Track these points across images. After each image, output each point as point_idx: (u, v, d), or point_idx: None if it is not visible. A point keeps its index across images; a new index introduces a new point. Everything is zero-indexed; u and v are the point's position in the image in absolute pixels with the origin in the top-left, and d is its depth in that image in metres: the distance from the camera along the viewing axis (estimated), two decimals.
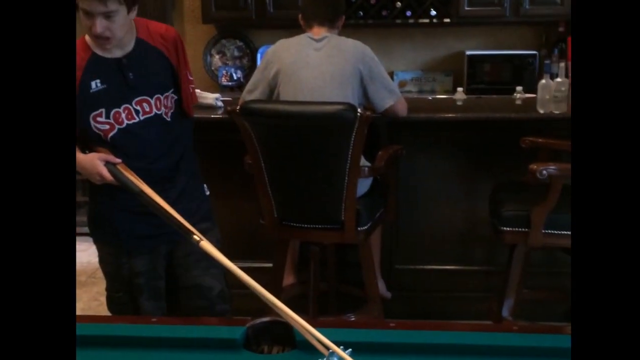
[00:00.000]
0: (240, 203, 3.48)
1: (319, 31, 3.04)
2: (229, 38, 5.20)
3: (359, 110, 2.65)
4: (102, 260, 2.63)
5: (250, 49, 5.19)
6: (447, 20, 4.79)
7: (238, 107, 2.74)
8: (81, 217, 5.01)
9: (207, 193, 2.65)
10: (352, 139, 2.66)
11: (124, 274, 2.52)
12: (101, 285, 4.15)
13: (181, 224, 2.07)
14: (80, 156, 2.31)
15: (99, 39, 2.21)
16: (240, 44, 5.20)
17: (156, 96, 2.37)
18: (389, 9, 4.81)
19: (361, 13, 4.81)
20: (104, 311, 3.82)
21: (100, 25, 2.15)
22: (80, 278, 4.30)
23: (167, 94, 2.40)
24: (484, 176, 3.45)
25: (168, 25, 2.49)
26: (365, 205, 2.93)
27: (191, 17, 5.15)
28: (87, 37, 2.29)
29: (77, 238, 4.83)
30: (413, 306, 3.57)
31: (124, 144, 2.35)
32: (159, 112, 2.38)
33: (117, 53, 2.31)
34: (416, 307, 3.57)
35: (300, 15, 3.14)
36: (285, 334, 1.78)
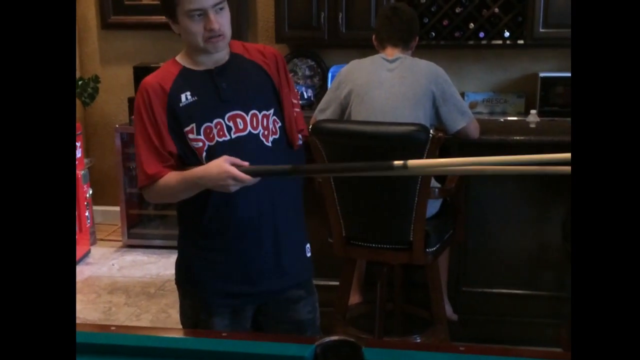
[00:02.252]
0: (309, 221, 3.49)
1: (392, 52, 3.05)
2: (301, 57, 5.26)
3: (431, 131, 2.65)
4: (181, 313, 2.32)
5: (322, 68, 5.23)
6: (520, 41, 4.73)
7: (310, 126, 2.77)
8: (152, 230, 5.15)
9: (309, 254, 2.32)
10: None
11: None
12: (170, 297, 4.26)
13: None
14: (199, 170, 2.03)
15: (213, 38, 2.02)
16: (312, 63, 5.25)
17: (252, 112, 2.09)
18: (462, 30, 4.79)
19: (434, 34, 4.80)
20: (171, 324, 3.92)
21: (215, 20, 1.99)
22: (149, 290, 4.40)
23: (266, 112, 2.12)
24: (555, 200, 3.39)
25: (266, 45, 2.30)
26: (434, 227, 2.92)
27: (265, 36, 5.23)
28: (177, 57, 2.18)
29: (147, 250, 4.96)
30: (480, 330, 3.52)
31: None
32: (254, 132, 2.09)
33: (210, 65, 2.11)
34: (483, 331, 3.52)
35: (374, 36, 3.16)
36: (353, 354, 1.78)
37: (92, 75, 4.70)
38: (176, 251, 4.89)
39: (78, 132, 4.78)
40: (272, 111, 2.13)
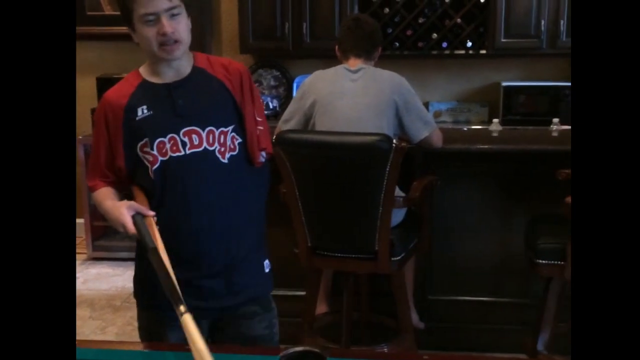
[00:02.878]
0: (273, 231, 3.48)
1: (355, 62, 3.07)
2: (265, 67, 5.26)
3: (394, 141, 2.66)
4: (139, 326, 2.32)
5: (287, 78, 5.25)
6: (483, 51, 4.79)
7: (274, 137, 2.77)
8: (117, 242, 5.09)
9: (267, 270, 2.27)
10: (387, 170, 2.68)
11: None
12: (136, 310, 4.21)
13: (174, 290, 1.79)
14: (108, 203, 2.07)
15: (167, 45, 2.00)
16: (277, 73, 5.26)
17: (209, 129, 2.05)
18: (425, 40, 4.84)
19: (397, 44, 4.84)
20: (137, 337, 3.87)
21: (168, 25, 1.97)
22: (114, 302, 4.35)
23: (224, 129, 2.07)
24: (519, 208, 3.43)
25: (231, 60, 2.22)
26: (399, 236, 2.94)
27: (229, 47, 5.23)
28: (141, 68, 2.17)
29: (112, 262, 4.90)
30: (446, 338, 3.53)
31: (165, 182, 2.06)
32: (210, 149, 2.05)
33: (169, 78, 2.09)
34: (449, 338, 3.54)
35: (337, 47, 3.18)
36: None
37: None
38: None
39: None
40: (230, 128, 2.09)
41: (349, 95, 2.97)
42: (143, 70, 2.15)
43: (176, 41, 2.00)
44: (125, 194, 2.16)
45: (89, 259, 5.12)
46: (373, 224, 2.80)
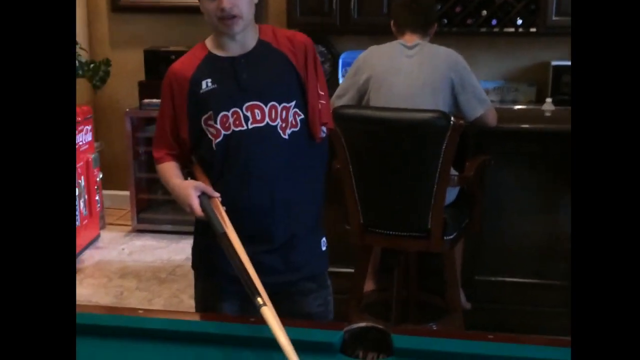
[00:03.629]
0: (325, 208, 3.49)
1: (411, 38, 3.04)
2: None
3: (451, 118, 2.64)
4: (195, 297, 2.35)
5: (332, 54, 5.21)
6: (533, 29, 4.70)
7: None
8: (161, 215, 5.13)
9: (324, 248, 2.27)
10: (444, 147, 2.66)
11: None
12: (181, 282, 4.26)
13: (250, 280, 1.81)
14: (176, 181, 2.10)
15: (226, 19, 2.00)
16: (323, 49, 5.22)
17: (271, 104, 2.05)
18: (474, 17, 4.76)
19: (446, 21, 4.77)
20: (183, 308, 3.92)
21: (227, 0, 1.97)
22: (160, 275, 4.40)
23: (286, 104, 2.07)
24: (568, 190, 3.39)
25: (297, 32, 2.23)
26: (451, 215, 2.92)
27: (276, 22, 5.20)
28: (207, 40, 2.16)
29: (156, 235, 4.96)
30: (492, 319, 3.51)
31: (227, 155, 2.08)
32: (272, 124, 2.05)
33: (235, 52, 2.09)
34: (495, 319, 3.51)
35: (392, 22, 3.15)
36: (382, 340, 1.78)
37: (104, 59, 4.67)
38: (185, 236, 4.91)
39: (88, 116, 4.76)
40: (293, 103, 2.09)
41: (405, 72, 2.94)
42: (209, 43, 2.15)
43: (235, 16, 2.00)
44: (187, 172, 2.18)
45: (133, 230, 5.17)
46: (427, 202, 2.78)
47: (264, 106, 2.06)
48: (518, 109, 4.34)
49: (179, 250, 4.80)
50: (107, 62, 4.65)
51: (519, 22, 4.71)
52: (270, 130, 2.06)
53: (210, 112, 2.06)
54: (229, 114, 2.05)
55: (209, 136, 2.08)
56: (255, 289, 1.77)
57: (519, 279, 3.59)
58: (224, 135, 2.06)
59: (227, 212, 2.03)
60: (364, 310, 3.20)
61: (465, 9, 4.75)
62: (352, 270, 3.18)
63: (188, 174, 2.18)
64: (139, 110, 5.05)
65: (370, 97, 2.98)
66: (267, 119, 2.06)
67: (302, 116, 2.11)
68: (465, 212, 3.08)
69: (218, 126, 2.06)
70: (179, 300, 4.04)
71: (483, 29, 4.79)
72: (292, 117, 2.08)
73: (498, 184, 3.43)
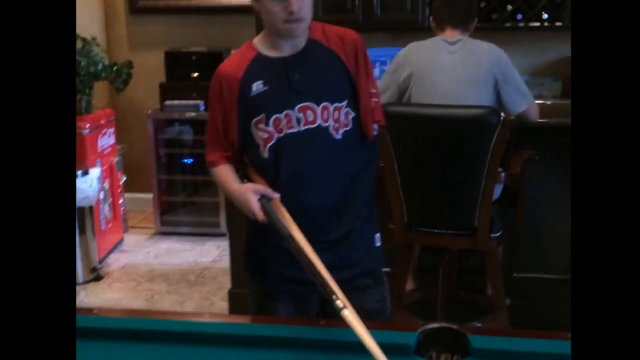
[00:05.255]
0: None
1: (452, 34, 2.99)
2: None
3: (501, 114, 2.60)
4: (249, 298, 2.31)
5: None
6: (559, 23, 4.67)
7: None
8: (182, 217, 5.09)
9: (379, 244, 2.23)
10: (493, 144, 2.62)
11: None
12: (211, 285, 4.23)
13: (324, 282, 1.81)
14: (233, 186, 2.08)
15: (292, 22, 1.95)
16: None
17: (323, 104, 2.03)
18: (499, 12, 4.72)
19: None
20: (215, 310, 3.88)
21: (295, 2, 1.91)
22: (188, 277, 4.36)
23: (338, 104, 2.04)
24: None
25: (347, 29, 2.15)
26: (497, 212, 2.88)
27: None
28: (255, 39, 2.13)
29: (180, 237, 4.94)
30: (530, 316, 3.48)
31: (280, 158, 2.05)
32: (324, 125, 2.03)
33: (286, 52, 2.05)
34: (534, 316, 3.48)
35: (431, 18, 3.11)
36: (455, 342, 1.75)
37: (126, 61, 4.63)
38: (209, 238, 4.88)
39: (111, 119, 4.72)
40: (344, 103, 2.06)
41: (448, 68, 2.90)
42: (258, 43, 2.11)
43: (301, 19, 1.97)
44: (242, 174, 2.15)
45: (157, 233, 5.13)
46: (474, 200, 2.74)
47: (316, 107, 2.03)
48: (549, 104, 4.29)
49: (204, 253, 4.76)
50: (129, 65, 4.61)
51: (545, 16, 4.67)
52: (323, 131, 2.04)
53: (262, 115, 2.04)
54: (282, 116, 2.03)
55: (260, 139, 2.06)
56: (331, 290, 1.75)
57: (556, 276, 3.54)
58: (277, 137, 2.04)
59: (285, 207, 2.02)
60: (405, 309, 3.16)
61: (490, 4, 4.72)
62: (389, 270, 3.13)
63: (243, 176, 2.15)
64: (160, 112, 5.01)
65: (412, 94, 2.94)
66: (319, 120, 2.04)
67: (354, 114, 2.08)
68: (509, 208, 3.03)
69: (271, 129, 2.03)
70: (210, 302, 4.01)
71: (508, 24, 4.75)
72: (344, 117, 2.06)
73: (536, 180, 3.38)
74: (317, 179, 2.07)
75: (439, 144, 2.68)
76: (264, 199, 2.01)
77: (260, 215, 1.99)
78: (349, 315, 1.66)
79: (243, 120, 2.06)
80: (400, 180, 2.81)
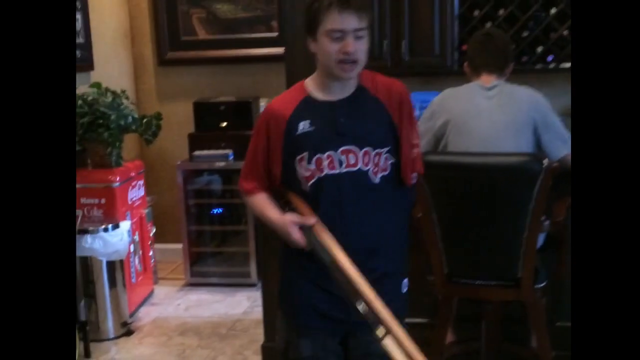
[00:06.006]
0: None
1: (488, 79, 2.93)
2: None
3: (544, 161, 2.52)
4: (278, 335, 2.38)
5: None
6: None
7: None
8: (211, 268, 5.02)
9: (405, 290, 2.28)
10: (535, 192, 2.53)
11: (289, 357, 2.28)
12: (243, 338, 4.14)
13: (372, 307, 1.92)
14: (274, 216, 2.17)
15: (346, 63, 2.03)
16: None
17: (365, 149, 2.09)
18: (529, 54, 4.66)
19: None
20: None
21: (352, 44, 2.01)
22: (220, 330, 4.27)
23: (379, 150, 2.11)
24: None
25: (396, 80, 2.24)
26: (541, 261, 2.78)
27: None
28: (307, 80, 2.20)
29: (210, 288, 4.89)
30: None
31: (318, 198, 2.11)
32: (364, 169, 2.09)
33: (335, 96, 2.14)
34: None
35: (465, 63, 3.06)
36: None
37: (155, 113, 4.62)
38: (240, 288, 4.82)
39: (141, 171, 4.70)
40: (386, 149, 2.13)
41: (485, 114, 2.84)
42: (309, 84, 2.20)
43: (355, 61, 2.05)
44: (284, 202, 2.23)
45: (187, 284, 5.07)
46: (516, 249, 2.65)
47: (358, 151, 2.10)
48: None
49: (235, 304, 4.68)
50: (158, 116, 4.60)
51: None
52: (362, 174, 2.11)
53: (305, 153, 2.11)
54: (324, 156, 2.10)
55: (302, 177, 2.13)
56: (378, 317, 1.87)
57: None
58: (317, 177, 2.11)
59: None
60: None
61: (519, 47, 4.66)
62: (427, 321, 3.04)
63: (285, 203, 2.22)
64: (190, 163, 5.00)
65: (449, 141, 2.87)
66: (360, 164, 2.10)
67: (393, 160, 2.15)
68: (553, 257, 2.93)
69: (312, 167, 2.11)
70: (243, 357, 3.91)
71: (538, 66, 4.69)
72: (383, 162, 2.13)
73: None
74: (353, 220, 2.12)
75: (479, 193, 2.60)
76: (305, 229, 2.09)
77: (303, 243, 2.08)
78: (390, 344, 1.79)
79: (288, 156, 2.14)
80: (439, 230, 2.73)
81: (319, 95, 2.15)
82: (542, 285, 2.76)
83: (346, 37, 2.01)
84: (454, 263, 2.78)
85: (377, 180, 2.12)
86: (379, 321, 1.84)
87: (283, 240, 2.17)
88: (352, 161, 2.10)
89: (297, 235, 2.09)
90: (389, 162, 2.14)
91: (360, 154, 2.10)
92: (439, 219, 2.71)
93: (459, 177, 2.62)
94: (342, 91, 2.13)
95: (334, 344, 2.24)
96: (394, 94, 2.16)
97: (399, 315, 2.17)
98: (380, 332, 1.78)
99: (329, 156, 2.09)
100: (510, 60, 3.00)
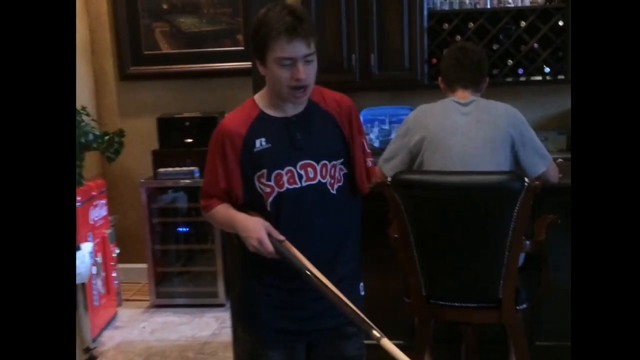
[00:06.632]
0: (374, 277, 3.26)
1: (463, 95, 2.85)
2: None
3: (525, 179, 2.44)
4: (239, 347, 2.48)
5: None
6: (561, 77, 4.57)
7: (389, 179, 2.55)
8: (178, 288, 4.88)
9: (363, 293, 2.35)
10: (516, 211, 2.45)
11: None
12: None
13: (359, 315, 1.95)
14: (240, 216, 2.15)
15: (298, 89, 2.06)
16: None
17: (322, 162, 2.15)
18: (500, 67, 4.62)
19: None
20: None
21: (303, 71, 2.03)
22: (187, 354, 4.12)
23: (334, 162, 2.18)
24: None
25: (342, 94, 2.31)
26: (522, 281, 2.70)
27: None
28: (256, 97, 2.21)
29: (176, 310, 4.73)
30: None
31: (280, 212, 2.14)
32: (323, 181, 2.15)
33: (288, 112, 2.16)
34: None
35: (440, 78, 2.97)
36: None
37: (117, 130, 4.45)
38: (207, 309, 4.66)
39: (103, 190, 4.54)
40: (340, 161, 2.20)
41: (462, 130, 2.75)
42: (260, 102, 2.21)
43: (306, 86, 2.08)
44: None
45: (152, 306, 4.90)
46: (497, 270, 2.57)
47: (316, 164, 2.15)
48: (563, 161, 4.14)
49: (202, 326, 4.54)
50: (121, 133, 4.43)
51: (547, 70, 4.57)
52: (322, 186, 2.16)
53: (264, 170, 2.13)
54: (283, 172, 2.13)
55: (262, 193, 2.15)
56: (367, 322, 1.91)
57: None
58: (278, 192, 2.13)
59: (278, 262, 2.11)
60: None
61: (490, 59, 4.60)
62: (403, 343, 2.94)
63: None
64: (154, 180, 4.84)
65: (425, 158, 2.77)
66: (318, 177, 2.15)
67: (345, 171, 2.22)
68: (534, 277, 2.85)
69: (272, 183, 2.13)
70: None
71: (509, 79, 4.66)
72: (338, 174, 2.19)
73: (556, 243, 3.21)
74: (315, 231, 2.17)
75: (458, 212, 2.51)
76: (272, 238, 2.07)
77: (268, 244, 2.05)
78: (387, 343, 1.81)
79: (247, 174, 2.16)
80: (416, 251, 2.63)
81: (271, 112, 2.17)
82: (523, 306, 2.68)
83: (296, 63, 2.03)
84: (432, 284, 2.69)
85: (334, 191, 2.18)
86: (368, 326, 1.91)
87: (244, 244, 2.14)
88: (312, 175, 2.14)
89: (264, 235, 2.06)
90: (342, 173, 2.20)
91: (319, 167, 2.15)
92: (416, 239, 2.62)
93: (437, 197, 2.53)
94: (294, 107, 2.16)
95: (300, 351, 2.30)
96: (344, 108, 2.22)
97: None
98: (375, 334, 1.84)
99: (288, 171, 2.13)
100: (485, 74, 2.92)
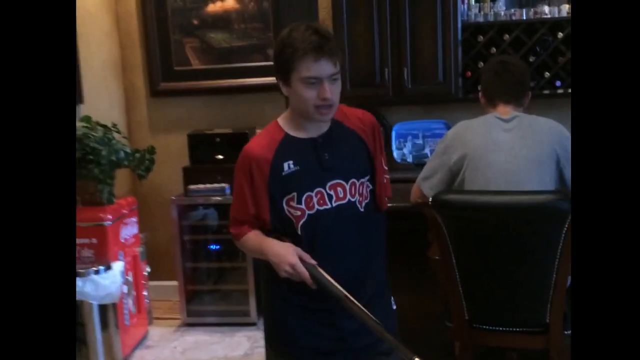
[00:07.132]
0: (410, 298, 3.17)
1: (505, 110, 2.75)
2: None
3: None
4: None
5: (384, 125, 4.95)
6: None
7: (430, 200, 2.46)
8: (208, 306, 4.81)
9: (394, 307, 2.33)
10: (564, 232, 2.34)
11: None
12: None
13: (399, 343, 1.94)
14: (272, 242, 2.12)
15: (323, 108, 2.04)
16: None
17: (351, 181, 2.14)
18: (536, 79, 4.50)
19: None
20: None
21: (329, 90, 2.01)
22: None
23: (363, 180, 2.17)
24: None
25: (365, 110, 2.29)
26: (569, 305, 2.58)
27: None
28: (280, 120, 2.19)
29: (207, 328, 4.66)
30: None
31: (311, 234, 2.11)
32: (352, 200, 2.14)
33: (313, 133, 2.14)
34: None
35: (480, 94, 2.87)
36: None
37: (148, 147, 4.42)
38: (238, 328, 4.57)
39: (134, 207, 4.49)
40: (367, 178, 2.19)
41: (505, 148, 2.65)
42: (284, 124, 2.18)
43: (332, 105, 2.06)
44: (275, 237, 2.18)
45: (183, 324, 4.84)
46: (544, 294, 2.46)
47: (345, 184, 2.13)
48: None
49: (234, 345, 4.46)
50: (152, 150, 4.40)
51: None
52: (351, 205, 2.15)
53: (293, 194, 2.10)
54: (313, 194, 2.11)
55: (291, 217, 2.12)
56: (406, 348, 1.89)
57: None
58: (308, 214, 2.11)
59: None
60: None
61: None
62: None
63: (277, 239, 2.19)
64: (185, 197, 4.78)
65: (466, 176, 2.68)
66: (348, 196, 2.14)
67: (371, 187, 2.21)
68: None
69: (302, 206, 2.11)
70: None
71: (546, 91, 4.53)
72: (365, 191, 2.19)
73: None
74: (349, 250, 2.15)
75: (502, 234, 2.42)
76: (305, 263, 2.05)
77: (303, 270, 2.03)
78: None
79: (276, 199, 2.12)
80: (459, 274, 2.53)
81: (296, 134, 2.15)
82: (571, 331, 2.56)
83: (322, 82, 2.01)
84: (475, 308, 2.59)
85: (362, 208, 2.17)
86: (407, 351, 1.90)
87: (275, 271, 2.11)
88: (341, 194, 2.13)
89: (296, 259, 2.04)
90: (368, 189, 2.20)
91: (348, 186, 2.13)
92: (459, 262, 2.52)
93: (480, 218, 2.43)
94: (319, 128, 2.14)
95: None
96: (367, 124, 2.22)
97: (393, 330, 2.24)
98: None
99: (318, 192, 2.11)
100: (527, 89, 2.82)
